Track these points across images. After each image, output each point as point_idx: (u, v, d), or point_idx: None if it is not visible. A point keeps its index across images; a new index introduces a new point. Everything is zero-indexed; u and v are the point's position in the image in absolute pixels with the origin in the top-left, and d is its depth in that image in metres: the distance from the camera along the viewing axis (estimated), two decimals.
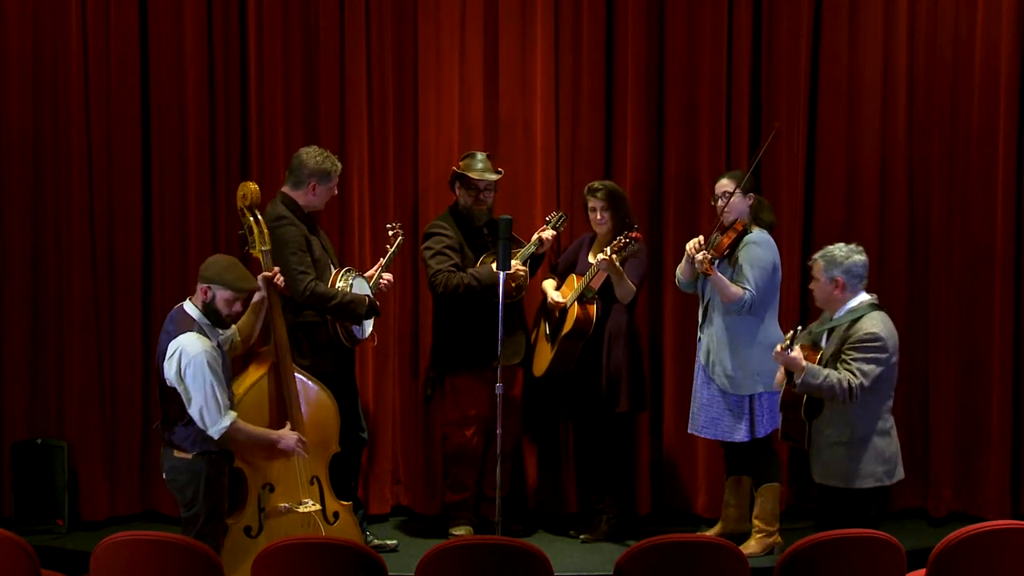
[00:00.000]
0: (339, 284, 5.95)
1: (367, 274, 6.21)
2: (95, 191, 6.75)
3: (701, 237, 6.07)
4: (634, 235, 6.08)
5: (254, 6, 6.75)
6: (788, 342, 5.20)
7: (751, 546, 6.14)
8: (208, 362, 5.14)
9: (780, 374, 5.48)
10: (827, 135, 6.84)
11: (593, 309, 6.25)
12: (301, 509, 5.59)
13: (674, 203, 6.85)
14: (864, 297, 5.35)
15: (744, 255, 6.03)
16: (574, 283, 6.33)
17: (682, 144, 6.85)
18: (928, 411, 6.86)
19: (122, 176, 6.78)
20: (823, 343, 5.41)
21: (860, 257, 5.35)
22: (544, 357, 6.40)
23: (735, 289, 5.97)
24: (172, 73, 6.75)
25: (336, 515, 5.73)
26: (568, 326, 6.25)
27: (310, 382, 5.72)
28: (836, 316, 5.36)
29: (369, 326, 6.13)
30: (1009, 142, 6.72)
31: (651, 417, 6.88)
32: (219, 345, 5.30)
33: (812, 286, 5.47)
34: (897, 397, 6.84)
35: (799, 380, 5.20)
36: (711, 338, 6.14)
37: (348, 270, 6.05)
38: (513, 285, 6.21)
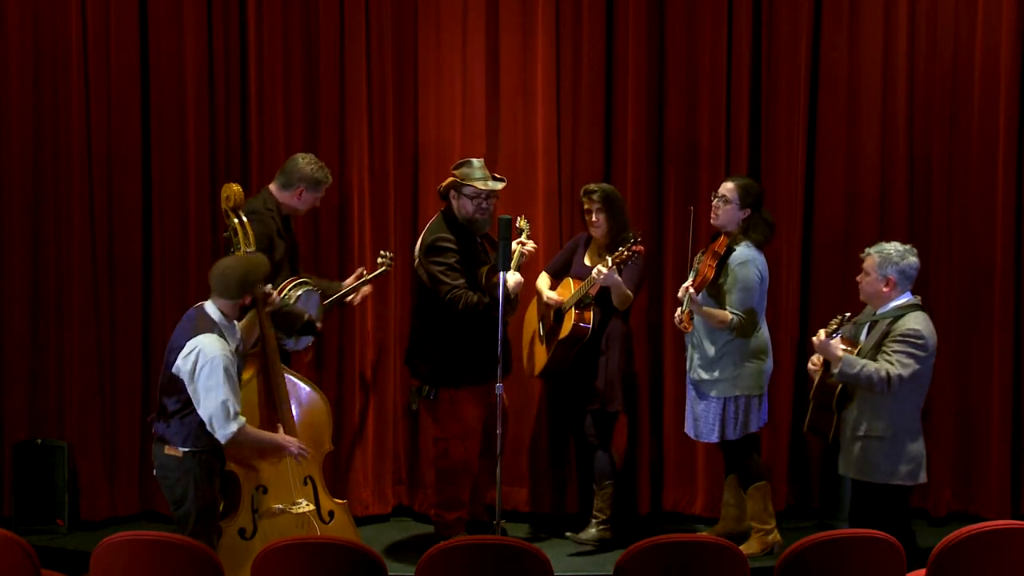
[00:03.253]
0: (286, 292, 5.82)
1: (346, 281, 6.25)
2: (95, 190, 6.75)
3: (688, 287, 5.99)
4: (637, 248, 5.98)
5: (254, 6, 6.75)
6: (832, 329, 5.25)
7: (751, 546, 6.15)
8: (225, 366, 5.12)
9: (816, 359, 5.51)
10: (827, 135, 6.84)
11: (590, 316, 6.18)
12: (295, 510, 5.57)
13: (674, 203, 6.85)
14: (909, 297, 5.41)
15: (728, 279, 6.03)
16: (571, 286, 6.30)
17: (682, 144, 6.85)
18: (928, 412, 6.85)
19: (122, 175, 6.78)
20: (862, 337, 5.46)
21: (914, 259, 5.46)
22: (540, 358, 6.38)
23: (721, 316, 5.98)
24: (172, 73, 6.75)
25: (331, 514, 5.71)
26: (565, 332, 6.19)
27: (301, 383, 5.71)
28: (879, 311, 5.41)
29: (304, 342, 6.05)
30: (1009, 142, 6.72)
31: (651, 417, 6.88)
32: (236, 351, 5.28)
33: (860, 279, 5.52)
34: None
35: (836, 370, 5.27)
36: (693, 341, 6.16)
37: (302, 282, 5.94)
38: (512, 296, 6.02)
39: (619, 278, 6.05)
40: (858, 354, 5.36)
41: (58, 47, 6.70)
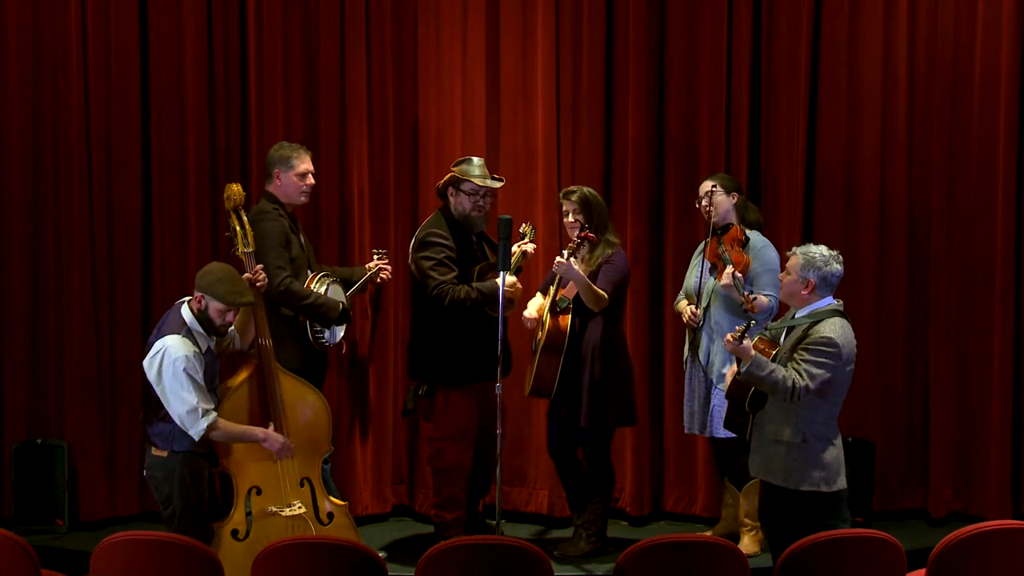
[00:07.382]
0: (314, 287, 5.94)
1: (369, 264, 6.31)
2: (95, 191, 6.75)
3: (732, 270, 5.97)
4: (585, 235, 5.91)
5: (254, 6, 6.75)
6: (740, 332, 5.18)
7: (745, 544, 6.14)
8: (186, 368, 5.16)
9: (733, 367, 5.47)
10: (827, 135, 6.84)
11: (566, 320, 6.01)
12: (288, 512, 5.55)
13: (674, 203, 6.85)
14: (830, 302, 5.31)
15: (753, 264, 6.03)
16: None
17: (682, 143, 6.86)
18: (928, 411, 6.86)
19: (122, 175, 6.78)
20: (782, 340, 5.41)
21: (838, 267, 5.30)
22: (529, 375, 6.20)
23: (762, 300, 5.96)
24: (172, 73, 6.76)
25: (330, 516, 5.69)
26: (542, 339, 6.05)
27: (298, 383, 5.69)
28: (797, 315, 5.35)
29: (339, 333, 6.11)
30: (1009, 142, 6.72)
31: (651, 417, 6.88)
32: (208, 350, 5.30)
33: (782, 276, 5.45)
34: (897, 398, 6.90)
35: (743, 368, 5.18)
36: (710, 336, 6.14)
37: (325, 275, 6.04)
38: (507, 299, 5.90)
39: (577, 270, 5.92)
40: (775, 357, 5.25)
41: (58, 47, 6.69)
